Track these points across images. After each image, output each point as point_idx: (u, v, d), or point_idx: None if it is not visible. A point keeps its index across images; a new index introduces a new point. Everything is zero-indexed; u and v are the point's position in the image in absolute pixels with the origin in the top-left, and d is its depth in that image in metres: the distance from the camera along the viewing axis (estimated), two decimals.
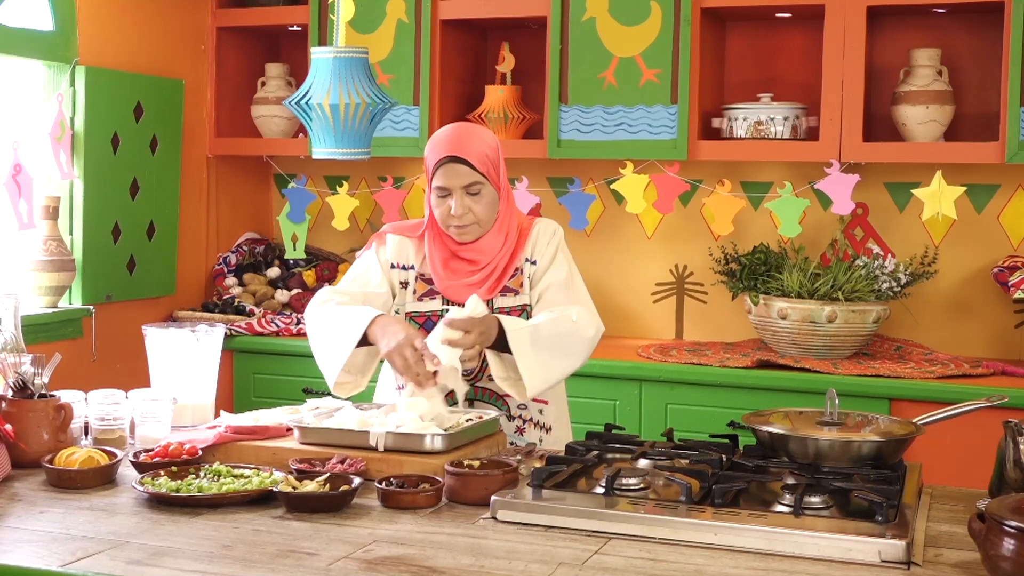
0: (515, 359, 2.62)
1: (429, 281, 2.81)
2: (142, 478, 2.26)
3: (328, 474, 2.24)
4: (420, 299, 2.80)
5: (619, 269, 4.43)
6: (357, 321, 2.64)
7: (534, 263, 2.80)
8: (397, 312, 2.81)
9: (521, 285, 2.79)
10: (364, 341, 2.64)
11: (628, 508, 2.08)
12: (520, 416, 2.79)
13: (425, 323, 2.78)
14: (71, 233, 4.01)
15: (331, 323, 2.70)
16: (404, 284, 2.82)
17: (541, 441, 2.80)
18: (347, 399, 2.76)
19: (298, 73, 4.71)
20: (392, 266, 2.83)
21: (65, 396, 2.59)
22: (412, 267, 2.82)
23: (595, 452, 2.40)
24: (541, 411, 2.82)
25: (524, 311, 2.77)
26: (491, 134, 2.81)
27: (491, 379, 2.72)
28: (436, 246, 2.80)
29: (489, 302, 2.76)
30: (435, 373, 2.56)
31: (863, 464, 2.26)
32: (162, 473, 2.28)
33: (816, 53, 3.95)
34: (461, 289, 2.76)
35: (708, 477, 2.20)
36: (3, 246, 3.91)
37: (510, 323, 2.64)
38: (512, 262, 2.79)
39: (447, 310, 2.76)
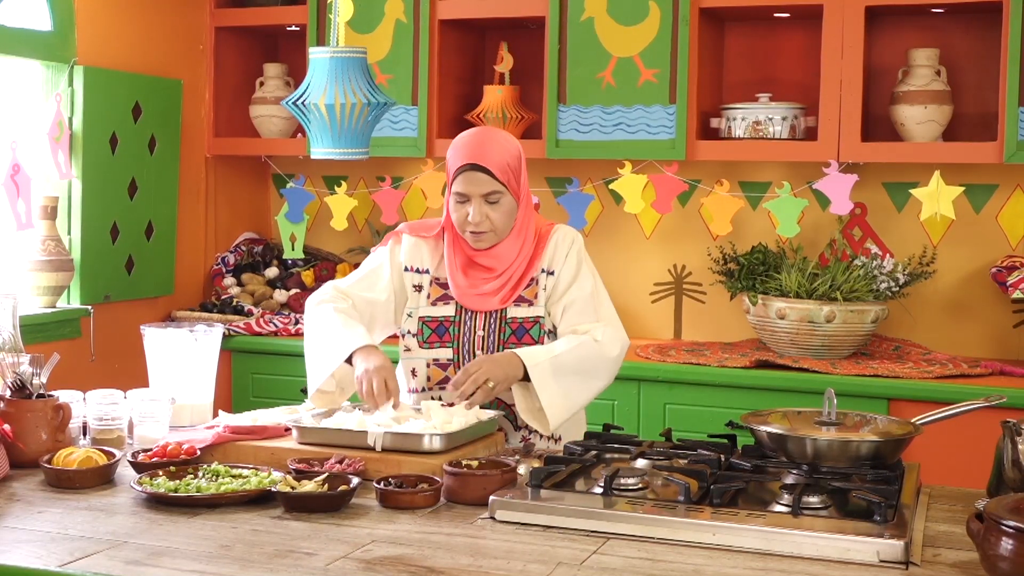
0: (537, 393, 2.63)
1: (444, 285, 2.79)
2: (140, 478, 2.26)
3: (326, 474, 2.24)
4: (434, 304, 2.79)
5: (617, 269, 4.43)
6: (344, 344, 2.65)
7: (551, 274, 2.77)
8: (410, 315, 2.79)
9: (536, 296, 2.77)
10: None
11: (626, 508, 2.08)
12: (527, 426, 2.76)
13: (437, 328, 2.77)
14: (69, 233, 4.00)
15: (322, 334, 2.70)
16: (418, 287, 2.80)
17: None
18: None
19: (296, 73, 4.71)
20: (406, 269, 2.81)
21: (63, 396, 2.59)
22: (427, 271, 2.81)
23: (593, 452, 2.40)
24: None
25: (537, 323, 2.75)
26: (514, 142, 2.77)
27: None
28: (454, 250, 2.78)
29: (503, 311, 2.75)
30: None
31: (861, 464, 2.26)
32: (160, 473, 2.28)
33: (814, 53, 3.95)
34: (476, 298, 2.75)
35: (706, 477, 2.20)
36: (1, 246, 3.91)
37: (530, 358, 2.64)
38: (528, 271, 2.77)
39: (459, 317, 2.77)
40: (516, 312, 2.75)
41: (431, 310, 2.78)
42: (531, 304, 2.76)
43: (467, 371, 2.62)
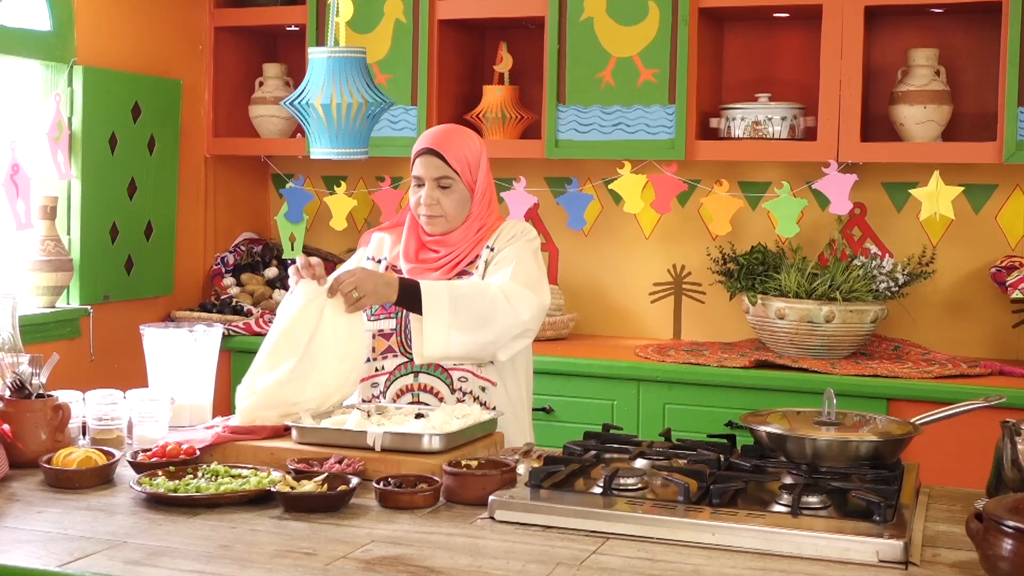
0: (423, 315, 2.66)
1: (397, 271, 2.90)
2: (140, 478, 2.26)
3: (326, 474, 2.24)
4: None
5: (617, 269, 4.43)
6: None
7: (492, 249, 2.87)
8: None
9: (476, 269, 2.87)
10: None
11: (626, 508, 2.08)
12: (460, 389, 2.82)
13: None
14: (69, 233, 4.00)
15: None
16: None
17: None
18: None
19: (296, 73, 4.71)
20: (367, 259, 2.98)
21: (63, 396, 2.59)
22: (384, 258, 2.95)
23: (593, 452, 2.40)
24: (484, 389, 2.83)
25: None
26: (477, 141, 2.91)
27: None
28: (410, 236, 2.92)
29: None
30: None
31: (861, 464, 2.26)
32: (160, 473, 2.28)
33: (814, 53, 3.95)
34: (423, 274, 2.85)
35: (706, 477, 2.20)
36: (1, 246, 3.91)
37: (424, 284, 2.70)
38: (473, 250, 2.88)
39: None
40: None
41: None
42: (470, 276, 2.86)
43: (340, 277, 2.67)
